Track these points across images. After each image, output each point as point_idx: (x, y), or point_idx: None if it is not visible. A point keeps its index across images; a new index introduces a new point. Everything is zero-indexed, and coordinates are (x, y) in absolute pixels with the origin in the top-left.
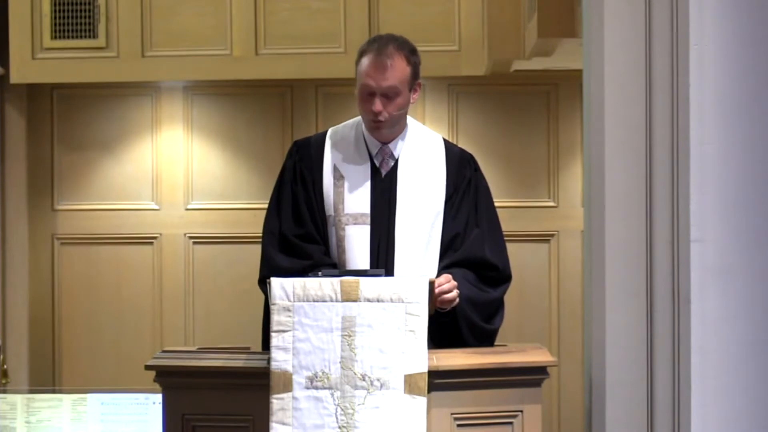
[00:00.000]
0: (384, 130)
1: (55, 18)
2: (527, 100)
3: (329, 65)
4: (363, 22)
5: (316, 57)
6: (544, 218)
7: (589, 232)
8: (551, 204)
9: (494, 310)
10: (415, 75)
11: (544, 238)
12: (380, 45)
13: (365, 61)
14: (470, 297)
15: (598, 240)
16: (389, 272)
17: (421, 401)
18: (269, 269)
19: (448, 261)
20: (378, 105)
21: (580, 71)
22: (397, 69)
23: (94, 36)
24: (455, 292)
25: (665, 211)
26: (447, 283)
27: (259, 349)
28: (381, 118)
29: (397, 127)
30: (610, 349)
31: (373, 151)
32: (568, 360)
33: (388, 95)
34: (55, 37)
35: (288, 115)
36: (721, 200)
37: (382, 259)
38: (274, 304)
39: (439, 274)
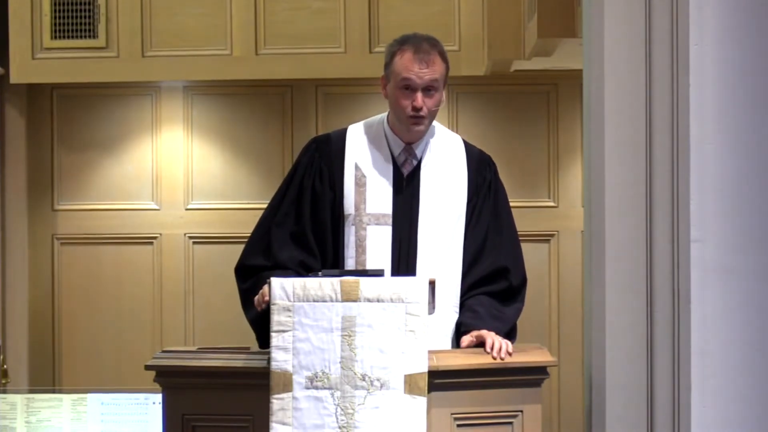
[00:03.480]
0: (423, 129)
1: (55, 18)
2: (527, 100)
3: (329, 65)
4: (363, 22)
5: (316, 57)
6: (544, 218)
7: (589, 232)
8: (551, 204)
9: (513, 328)
10: (447, 73)
11: (544, 238)
12: (416, 42)
13: (404, 57)
14: (502, 331)
15: (598, 240)
16: (411, 273)
17: (421, 401)
18: (240, 262)
19: (473, 278)
20: (420, 100)
21: (580, 71)
22: (437, 64)
23: (94, 36)
24: (500, 343)
25: (665, 211)
26: (492, 340)
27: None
28: (422, 113)
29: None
30: (610, 349)
31: (396, 151)
32: (568, 360)
33: (429, 89)
34: (55, 37)
35: (288, 115)
36: (721, 200)
37: (403, 261)
38: (274, 304)
39: (462, 294)
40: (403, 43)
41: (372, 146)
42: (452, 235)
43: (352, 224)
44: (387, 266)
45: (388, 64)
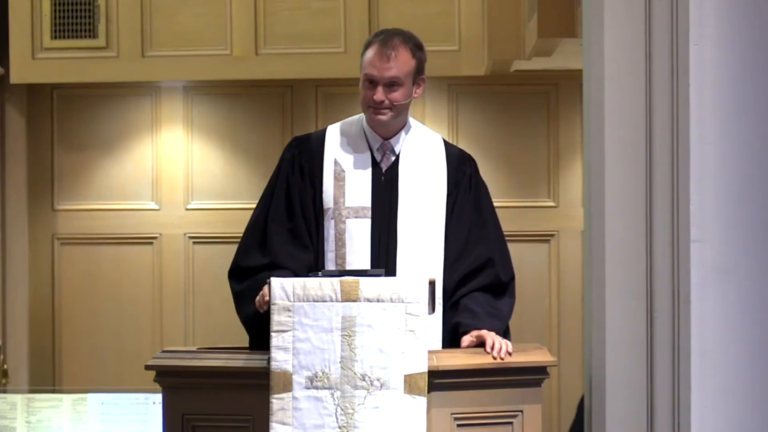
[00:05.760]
0: (385, 119)
1: (55, 18)
2: (527, 100)
3: (329, 65)
4: (363, 22)
5: (316, 57)
6: (544, 218)
7: (589, 232)
8: (551, 204)
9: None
10: (419, 70)
11: (544, 238)
12: (386, 36)
13: (370, 51)
14: (500, 329)
15: (598, 240)
16: (391, 266)
17: (421, 401)
18: (234, 264)
19: (461, 273)
20: (380, 94)
21: (580, 71)
22: (401, 60)
23: (94, 36)
24: (500, 344)
25: (665, 211)
26: (492, 340)
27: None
28: (383, 105)
29: (398, 120)
30: (610, 349)
31: (374, 146)
32: (568, 360)
33: (390, 85)
34: (55, 37)
35: (288, 115)
36: (721, 200)
37: (383, 253)
38: (274, 304)
39: (451, 291)
40: (376, 35)
41: (351, 142)
42: (432, 228)
43: (332, 218)
44: (367, 259)
45: (361, 57)
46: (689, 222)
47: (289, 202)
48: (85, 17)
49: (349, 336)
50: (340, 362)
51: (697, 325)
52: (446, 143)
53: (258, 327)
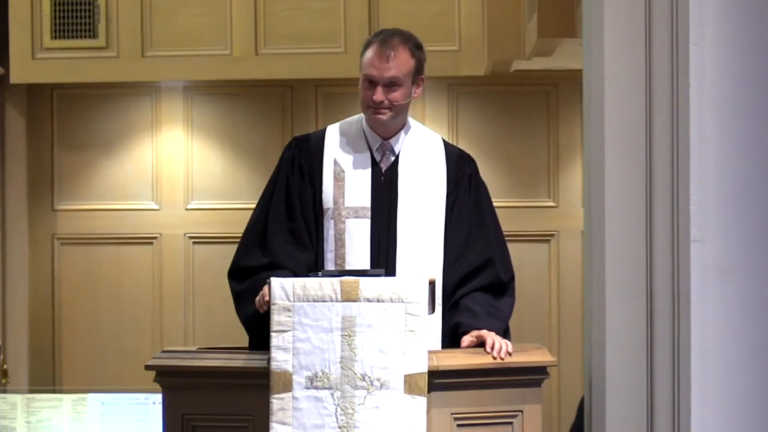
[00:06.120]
0: (384, 119)
1: (55, 18)
2: (527, 100)
3: (329, 65)
4: (363, 22)
5: (316, 57)
6: (544, 218)
7: (589, 232)
8: (551, 204)
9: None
10: (418, 69)
11: (544, 238)
12: (385, 36)
13: (369, 51)
14: (500, 329)
15: (598, 240)
16: (390, 266)
17: (421, 401)
18: (234, 265)
19: (461, 273)
20: (379, 94)
21: (580, 71)
22: (400, 60)
23: (94, 36)
24: (500, 344)
25: (665, 211)
26: (492, 340)
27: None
28: (383, 105)
29: (398, 120)
30: (610, 349)
31: (374, 146)
32: (568, 360)
33: (390, 86)
34: (55, 37)
35: (288, 115)
36: (721, 200)
37: (383, 253)
38: (274, 304)
39: (451, 290)
40: (376, 35)
41: (350, 142)
42: (432, 228)
43: (331, 218)
44: (366, 259)
45: (361, 57)
46: (689, 222)
47: (289, 202)
48: (85, 17)
49: (349, 336)
50: (340, 362)
51: (697, 325)
52: (446, 143)
53: (258, 327)
